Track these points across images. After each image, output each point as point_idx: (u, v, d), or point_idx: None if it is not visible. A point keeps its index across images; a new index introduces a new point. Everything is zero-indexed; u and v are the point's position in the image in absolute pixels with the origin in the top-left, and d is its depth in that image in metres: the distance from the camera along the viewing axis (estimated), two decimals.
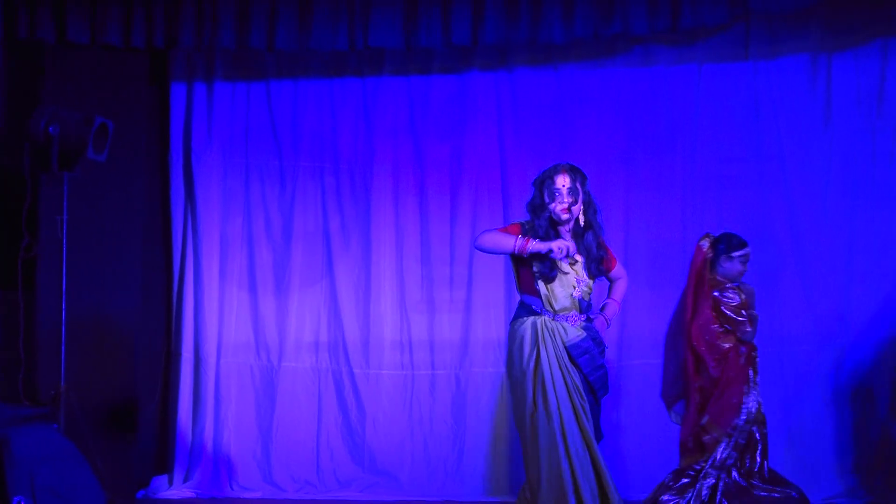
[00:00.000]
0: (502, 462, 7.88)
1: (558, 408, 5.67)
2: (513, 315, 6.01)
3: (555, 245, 5.67)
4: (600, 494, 5.67)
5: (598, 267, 5.91)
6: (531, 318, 5.83)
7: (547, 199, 5.83)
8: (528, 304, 5.89)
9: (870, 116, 7.61)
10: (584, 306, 5.89)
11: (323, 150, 8.15)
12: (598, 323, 5.96)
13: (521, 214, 7.75)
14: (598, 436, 5.87)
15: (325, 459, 7.99)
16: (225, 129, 8.18)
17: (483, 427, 7.94)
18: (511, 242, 5.74)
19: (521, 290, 5.93)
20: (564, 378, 5.73)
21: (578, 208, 5.83)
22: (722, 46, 7.77)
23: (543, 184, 5.86)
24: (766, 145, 7.75)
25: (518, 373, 5.82)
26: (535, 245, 5.70)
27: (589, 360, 5.79)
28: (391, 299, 8.07)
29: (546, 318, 5.80)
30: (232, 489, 7.94)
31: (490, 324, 7.99)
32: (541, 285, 5.81)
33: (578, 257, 5.87)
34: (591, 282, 5.91)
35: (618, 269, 6.12)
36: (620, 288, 6.15)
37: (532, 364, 5.75)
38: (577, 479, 5.61)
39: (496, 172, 8.01)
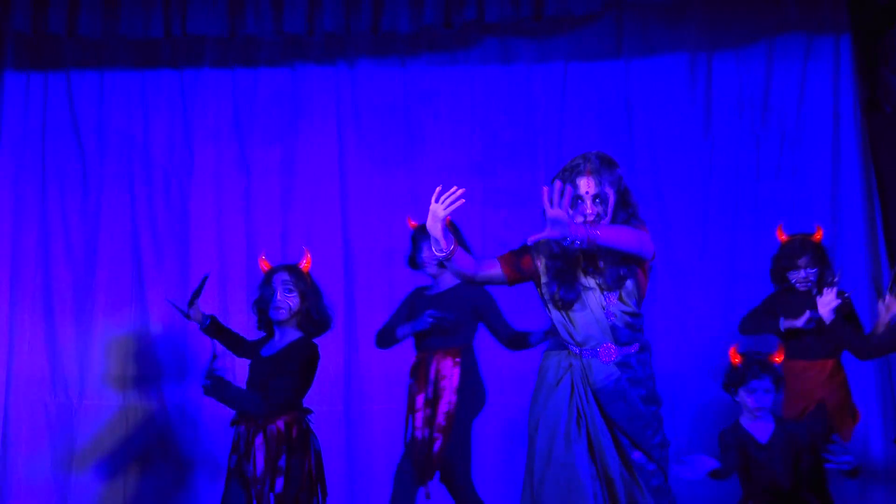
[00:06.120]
0: None
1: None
2: None
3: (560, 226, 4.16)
4: None
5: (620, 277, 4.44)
6: (557, 351, 4.54)
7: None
8: (558, 331, 4.57)
9: (753, 125, 7.39)
10: (625, 335, 4.46)
11: (133, 153, 7.58)
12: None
13: (362, 230, 7.45)
14: None
15: None
16: (16, 127, 7.57)
17: None
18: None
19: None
20: (589, 432, 4.42)
21: (608, 219, 4.44)
22: (591, 41, 7.46)
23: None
24: (639, 156, 7.41)
25: (533, 421, 4.54)
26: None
27: (624, 408, 4.43)
28: None
29: (572, 351, 4.50)
30: None
31: None
32: (553, 311, 4.50)
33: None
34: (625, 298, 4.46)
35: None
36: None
37: (543, 410, 4.49)
38: None
39: (334, 182, 7.52)
